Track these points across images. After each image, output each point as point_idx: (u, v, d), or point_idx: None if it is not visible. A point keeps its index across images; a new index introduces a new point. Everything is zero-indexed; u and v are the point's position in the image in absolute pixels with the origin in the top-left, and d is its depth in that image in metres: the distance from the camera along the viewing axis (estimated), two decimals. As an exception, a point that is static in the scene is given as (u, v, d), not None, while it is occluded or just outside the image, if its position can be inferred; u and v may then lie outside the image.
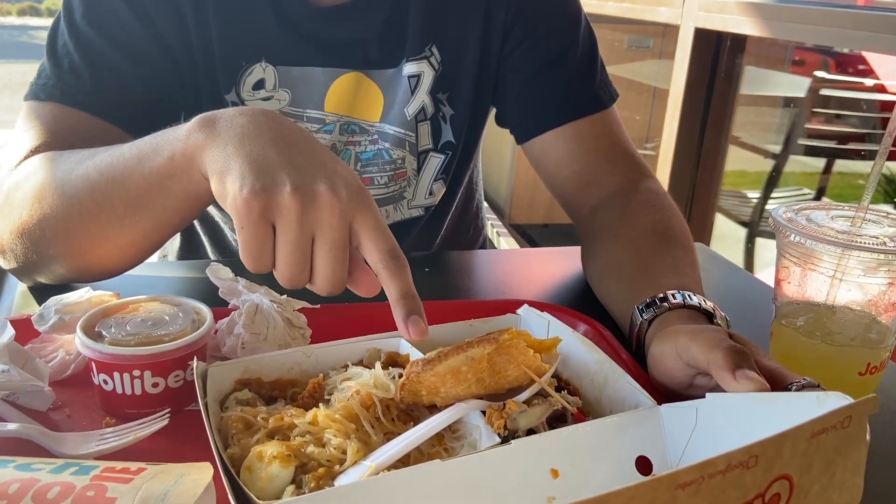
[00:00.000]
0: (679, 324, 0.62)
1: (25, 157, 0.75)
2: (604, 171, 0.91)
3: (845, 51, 2.62)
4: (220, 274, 0.68)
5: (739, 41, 1.63)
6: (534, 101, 0.95)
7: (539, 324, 0.64)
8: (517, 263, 1.01)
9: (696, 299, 0.65)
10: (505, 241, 3.03)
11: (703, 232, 1.80)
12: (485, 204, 1.25)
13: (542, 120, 0.94)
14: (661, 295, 0.66)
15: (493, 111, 1.02)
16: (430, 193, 1.00)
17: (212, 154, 0.57)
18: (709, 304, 0.65)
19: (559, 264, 0.96)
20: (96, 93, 0.80)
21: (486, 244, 1.27)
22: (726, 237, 2.64)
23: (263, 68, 0.89)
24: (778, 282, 0.66)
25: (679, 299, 0.65)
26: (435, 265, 0.94)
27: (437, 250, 1.10)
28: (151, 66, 0.83)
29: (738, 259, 2.53)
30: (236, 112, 0.59)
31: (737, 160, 2.63)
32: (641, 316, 0.66)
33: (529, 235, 3.60)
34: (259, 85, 0.90)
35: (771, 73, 2.66)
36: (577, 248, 0.93)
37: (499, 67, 0.96)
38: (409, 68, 0.92)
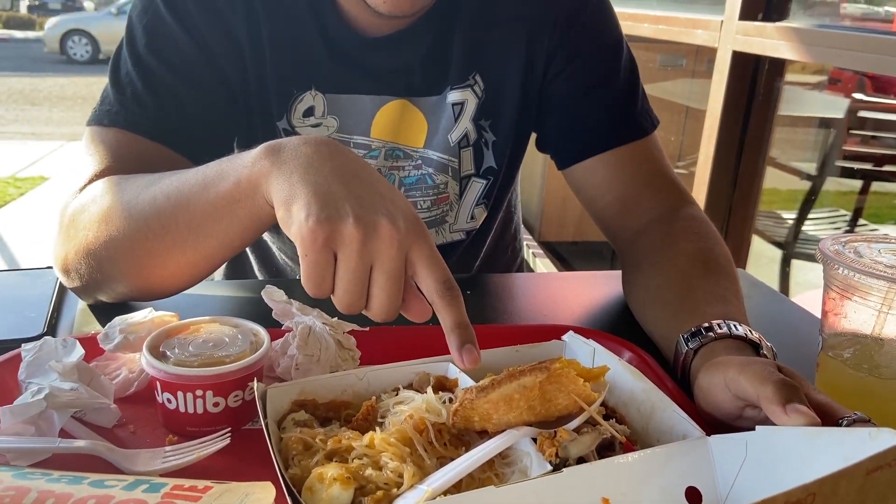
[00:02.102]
0: (725, 354, 0.63)
1: (90, 181, 0.78)
2: (645, 197, 0.92)
3: (883, 71, 2.59)
4: (274, 296, 0.70)
5: (778, 64, 1.63)
6: (575, 127, 0.96)
7: (584, 350, 0.65)
8: (557, 287, 1.02)
9: (741, 329, 0.66)
10: (541, 262, 3.03)
11: (740, 254, 1.79)
12: (522, 226, 1.26)
13: (584, 146, 0.95)
14: (706, 324, 0.67)
15: (534, 136, 1.04)
16: (472, 217, 1.02)
17: (277, 182, 0.59)
18: (755, 335, 0.66)
19: (600, 288, 0.97)
20: (158, 119, 0.83)
21: (523, 265, 1.28)
22: (761, 257, 2.62)
23: (313, 96, 0.92)
24: (825, 313, 0.66)
25: (724, 329, 0.66)
26: (476, 288, 0.95)
27: (478, 273, 1.11)
28: (210, 93, 0.86)
29: (773, 280, 2.50)
30: (301, 141, 0.61)
31: (772, 179, 2.62)
32: (687, 345, 0.67)
33: (559, 253, 3.60)
34: (309, 112, 0.92)
35: (807, 93, 2.64)
36: (617, 273, 0.93)
37: (541, 94, 0.97)
38: (452, 96, 0.94)
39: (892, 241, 0.66)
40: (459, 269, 1.06)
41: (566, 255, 3.59)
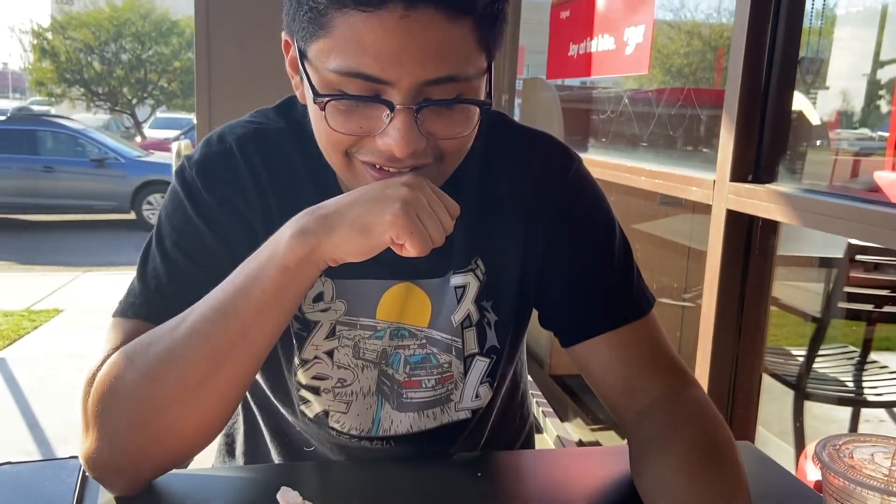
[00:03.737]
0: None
1: (99, 367, 0.83)
2: (647, 379, 0.95)
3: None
4: (289, 498, 0.72)
5: (771, 224, 1.70)
6: (575, 308, 1.00)
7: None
8: (568, 464, 1.03)
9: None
10: (551, 423, 3.01)
11: (749, 411, 1.79)
12: (530, 390, 1.28)
13: (585, 327, 0.99)
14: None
15: (536, 312, 1.08)
16: (477, 396, 1.04)
17: (332, 241, 0.76)
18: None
19: (610, 466, 0.98)
20: (179, 309, 0.86)
21: (533, 431, 1.29)
22: (772, 390, 2.60)
23: (323, 282, 0.97)
24: (825, 517, 0.68)
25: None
26: (486, 469, 0.97)
27: (488, 451, 1.12)
28: None
29: (787, 428, 2.47)
30: (313, 212, 0.78)
31: (777, 314, 2.64)
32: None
33: (569, 386, 3.58)
34: (318, 297, 0.97)
35: (805, 231, 2.72)
36: (625, 448, 0.95)
37: (541, 276, 1.02)
38: (455, 280, 0.99)
39: (886, 443, 0.69)
40: (467, 447, 1.08)
41: (576, 389, 3.58)
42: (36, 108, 27.13)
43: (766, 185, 1.65)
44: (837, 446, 0.68)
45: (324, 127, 0.80)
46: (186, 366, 0.77)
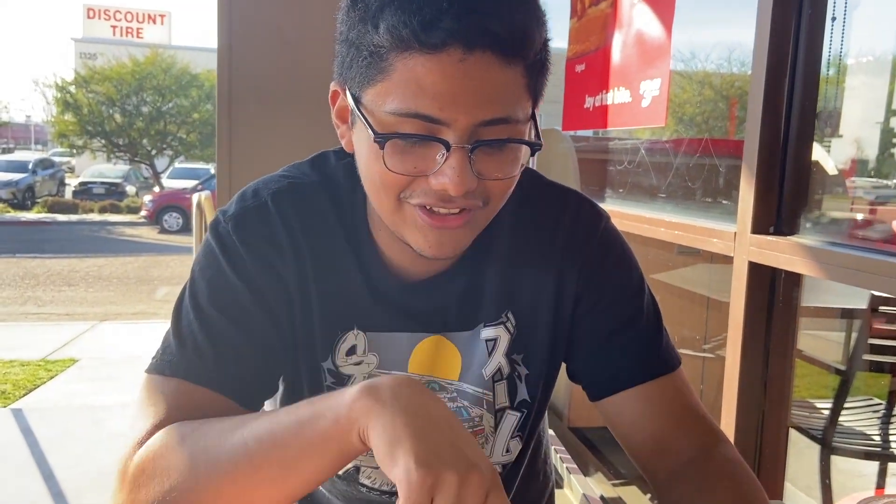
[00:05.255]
0: None
1: (152, 431, 0.82)
2: (678, 437, 0.94)
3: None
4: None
5: (795, 276, 1.68)
6: (605, 362, 1.00)
7: None
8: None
9: None
10: (575, 479, 2.95)
11: (777, 467, 1.75)
12: (552, 447, 1.26)
13: (615, 381, 0.98)
14: None
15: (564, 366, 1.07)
16: (507, 451, 1.03)
17: (380, 422, 0.67)
18: None
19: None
20: (217, 370, 0.87)
21: (554, 488, 1.26)
22: (798, 443, 2.54)
23: (356, 335, 0.97)
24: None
25: None
26: (514, 531, 0.94)
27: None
28: (265, 339, 0.91)
29: (812, 482, 2.41)
30: (397, 383, 0.70)
31: (800, 366, 2.60)
32: None
33: (589, 440, 3.52)
34: (351, 351, 0.97)
35: (828, 283, 2.70)
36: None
37: (571, 330, 1.02)
38: (486, 333, 0.99)
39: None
40: (495, 506, 1.05)
41: (596, 443, 3.51)
42: (57, 158, 27.71)
43: (789, 238, 1.64)
44: (882, 512, 0.66)
45: (379, 168, 0.81)
46: (224, 475, 0.75)
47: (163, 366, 0.88)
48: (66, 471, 3.65)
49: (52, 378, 5.35)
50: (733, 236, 1.78)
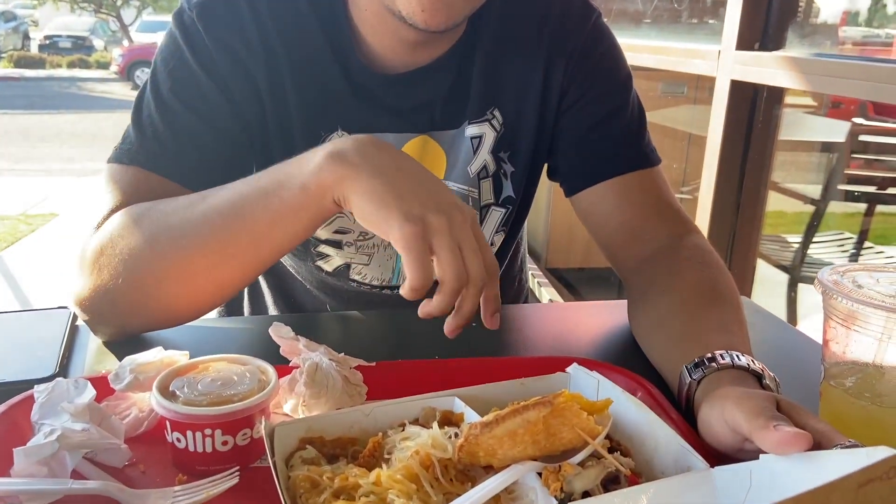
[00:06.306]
0: (728, 385, 0.63)
1: (108, 216, 0.81)
2: (651, 226, 0.94)
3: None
4: (281, 333, 0.71)
5: (776, 93, 1.64)
6: (585, 155, 0.99)
7: (588, 383, 0.66)
8: (563, 317, 1.03)
9: (744, 360, 0.66)
10: (546, 291, 3.04)
11: (745, 280, 1.79)
12: (527, 256, 1.27)
13: (593, 172, 0.97)
14: (710, 355, 0.67)
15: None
16: (492, 244, 1.04)
17: (356, 185, 0.67)
18: (757, 365, 0.66)
19: (605, 318, 0.98)
20: (176, 159, 0.85)
21: (528, 296, 1.29)
22: (766, 281, 2.61)
23: (339, 136, 0.94)
24: (826, 343, 0.67)
25: (727, 360, 0.66)
26: (481, 320, 0.96)
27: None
28: (229, 134, 0.89)
29: (780, 306, 2.50)
30: (360, 144, 0.69)
31: (776, 202, 2.62)
32: (690, 376, 0.67)
33: (566, 279, 3.61)
34: None
35: (808, 117, 2.66)
36: (623, 302, 0.94)
37: (555, 125, 1.00)
38: (471, 130, 0.97)
39: (891, 270, 0.67)
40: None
41: (573, 282, 3.60)
42: (19, 11, 26.20)
43: (774, 52, 1.58)
44: (841, 272, 0.67)
45: None
46: (191, 250, 0.75)
47: (121, 154, 0.86)
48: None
49: (32, 231, 5.34)
50: (717, 55, 1.72)
